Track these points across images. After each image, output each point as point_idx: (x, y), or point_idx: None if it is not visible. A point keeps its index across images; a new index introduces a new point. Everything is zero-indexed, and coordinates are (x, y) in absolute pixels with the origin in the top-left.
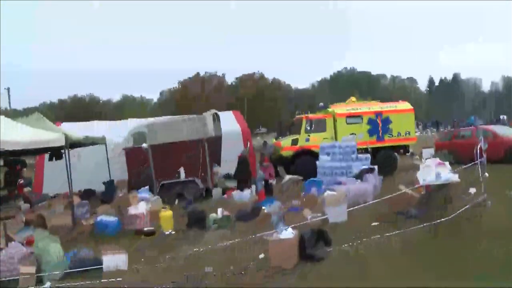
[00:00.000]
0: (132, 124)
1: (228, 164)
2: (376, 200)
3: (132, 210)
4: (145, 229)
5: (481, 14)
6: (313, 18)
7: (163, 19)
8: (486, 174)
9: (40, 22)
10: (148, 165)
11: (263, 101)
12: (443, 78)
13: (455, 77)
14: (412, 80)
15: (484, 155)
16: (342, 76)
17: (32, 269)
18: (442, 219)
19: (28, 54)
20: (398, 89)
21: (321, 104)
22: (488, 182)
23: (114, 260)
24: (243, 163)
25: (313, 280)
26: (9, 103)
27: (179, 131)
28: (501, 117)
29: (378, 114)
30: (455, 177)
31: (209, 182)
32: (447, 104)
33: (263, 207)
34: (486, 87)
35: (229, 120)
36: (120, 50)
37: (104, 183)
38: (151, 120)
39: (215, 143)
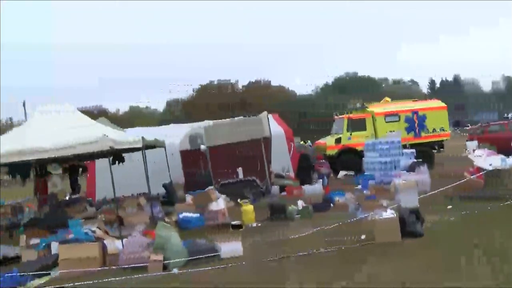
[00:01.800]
0: (182, 128)
1: (273, 164)
2: (447, 187)
3: (213, 206)
4: (233, 222)
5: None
6: (315, 23)
7: (160, 24)
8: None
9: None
10: (205, 166)
11: (271, 108)
12: (444, 79)
13: (456, 77)
14: (413, 82)
15: None
16: (344, 81)
17: (160, 257)
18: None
19: None
20: (400, 92)
21: (358, 104)
22: None
23: (230, 247)
24: (305, 160)
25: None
26: (25, 116)
27: (237, 132)
28: (510, 115)
29: (414, 112)
30: None
31: (267, 180)
32: (450, 104)
33: (336, 198)
34: (487, 86)
35: (271, 123)
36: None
37: (163, 185)
38: (207, 122)
39: (268, 143)
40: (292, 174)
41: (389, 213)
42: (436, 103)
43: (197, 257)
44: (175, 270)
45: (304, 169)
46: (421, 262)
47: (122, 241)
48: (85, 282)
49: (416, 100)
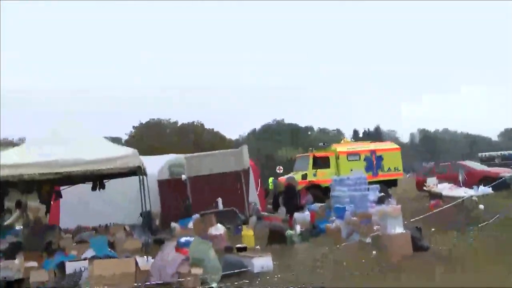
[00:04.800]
0: (159, 158)
1: None
2: (427, 214)
3: (213, 231)
4: (238, 245)
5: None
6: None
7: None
8: (475, 198)
9: None
10: (184, 196)
11: (203, 150)
12: (366, 129)
13: (377, 128)
14: (338, 132)
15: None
16: (272, 127)
17: (199, 271)
18: (489, 221)
19: None
20: (326, 139)
21: (321, 143)
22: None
23: (262, 261)
24: (290, 190)
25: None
26: None
27: (218, 163)
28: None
29: (372, 152)
30: (489, 190)
31: (246, 211)
32: None
33: (327, 224)
34: (405, 138)
35: None
36: None
37: (141, 214)
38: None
39: (247, 175)
40: (259, 207)
41: (400, 230)
42: (391, 145)
43: (231, 272)
44: (214, 285)
45: (291, 199)
46: None
47: (147, 258)
48: None
49: (372, 142)
